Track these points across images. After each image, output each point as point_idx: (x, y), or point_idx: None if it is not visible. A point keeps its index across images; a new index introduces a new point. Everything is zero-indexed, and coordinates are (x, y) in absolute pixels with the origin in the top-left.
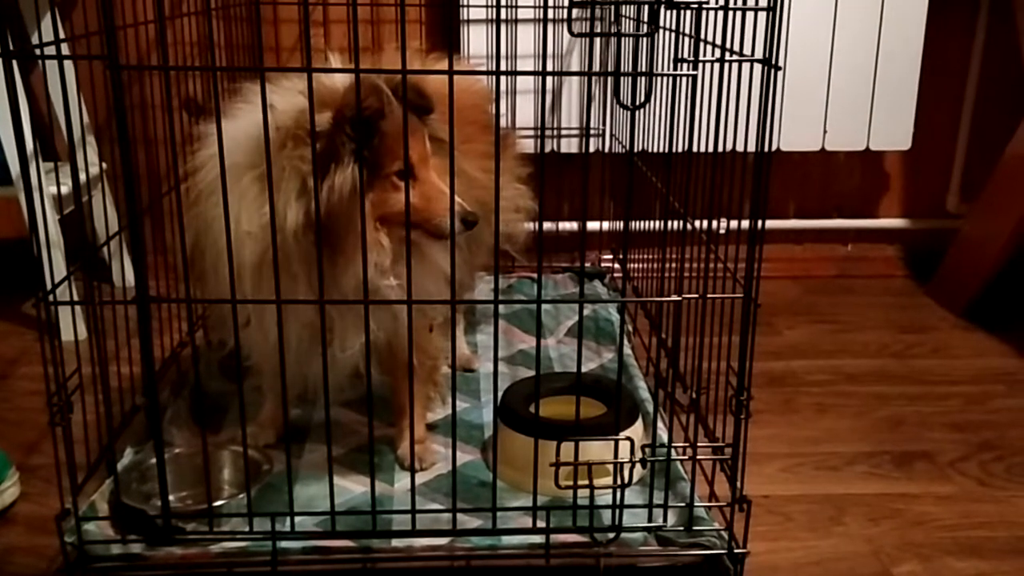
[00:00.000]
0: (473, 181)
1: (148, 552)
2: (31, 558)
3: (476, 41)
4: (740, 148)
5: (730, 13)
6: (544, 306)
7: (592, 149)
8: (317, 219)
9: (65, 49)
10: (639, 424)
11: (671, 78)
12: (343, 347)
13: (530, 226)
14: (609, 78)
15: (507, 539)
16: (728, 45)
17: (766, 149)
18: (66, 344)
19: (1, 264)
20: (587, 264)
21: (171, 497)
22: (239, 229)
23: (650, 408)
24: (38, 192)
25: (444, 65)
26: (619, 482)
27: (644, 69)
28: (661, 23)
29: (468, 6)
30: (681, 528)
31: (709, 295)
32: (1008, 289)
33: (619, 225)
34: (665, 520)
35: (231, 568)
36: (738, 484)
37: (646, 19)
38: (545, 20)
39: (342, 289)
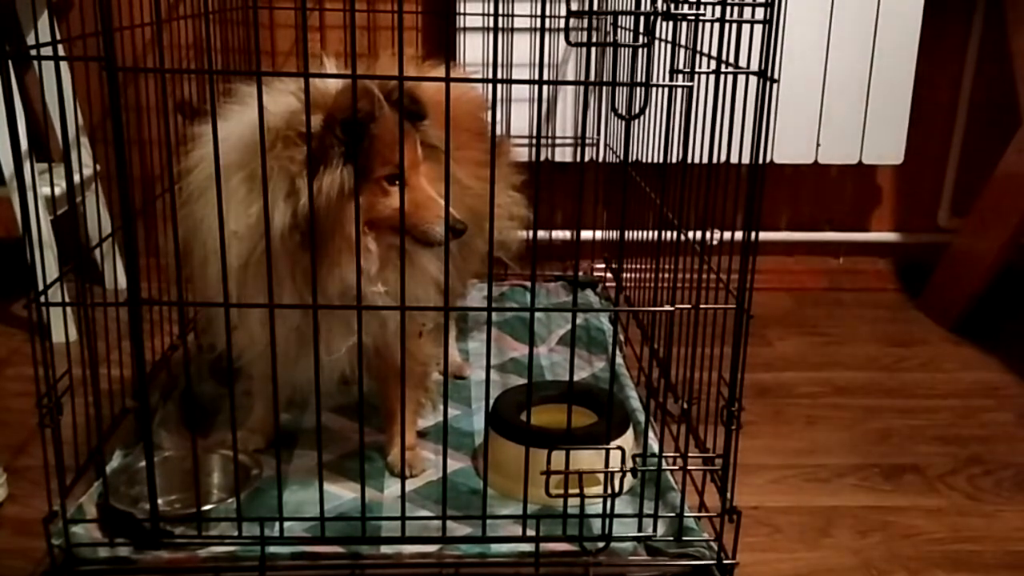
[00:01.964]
0: (467, 189)
1: (136, 555)
2: (18, 560)
3: (472, 49)
4: (734, 160)
5: (726, 25)
6: (536, 314)
7: (586, 158)
8: (312, 221)
9: (61, 50)
10: (630, 433)
11: (667, 89)
12: (329, 351)
13: (523, 234)
14: (605, 88)
15: (496, 547)
16: (724, 57)
17: (760, 161)
18: (57, 346)
19: None
20: (580, 273)
21: (160, 501)
22: (226, 229)
23: (641, 418)
24: (31, 193)
25: (440, 73)
26: (609, 491)
27: (641, 80)
28: (658, 34)
29: (465, 14)
30: (671, 538)
31: (702, 306)
32: (998, 304)
33: (612, 234)
34: (655, 530)
35: (219, 573)
36: (728, 495)
37: (643, 30)
38: (543, 29)
39: (326, 293)
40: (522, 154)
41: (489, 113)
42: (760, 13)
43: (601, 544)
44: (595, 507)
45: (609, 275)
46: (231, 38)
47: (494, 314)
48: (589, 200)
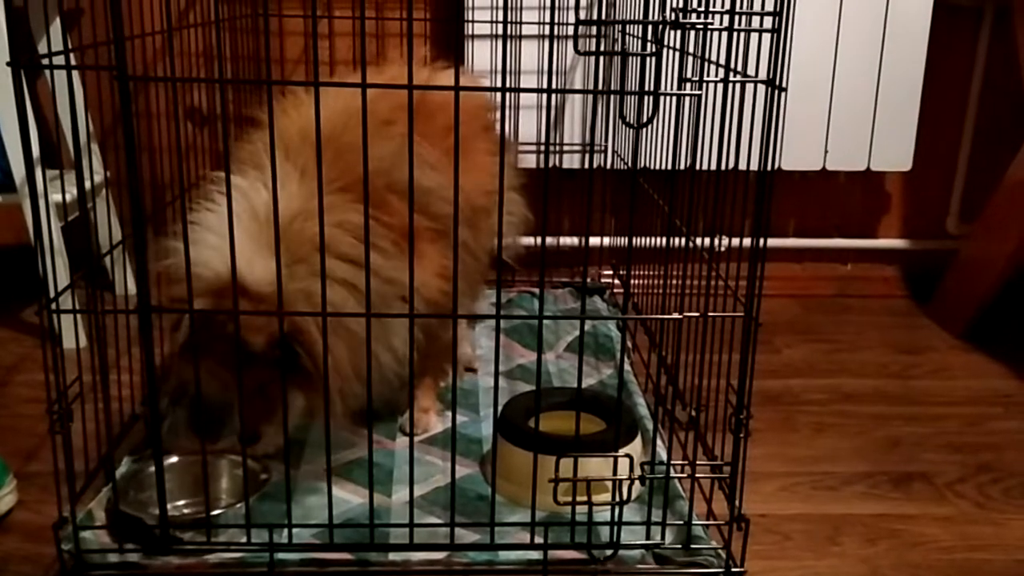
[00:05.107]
0: (478, 184)
1: (145, 561)
2: (28, 566)
3: (481, 56)
4: (742, 167)
5: (735, 34)
6: (544, 321)
7: (594, 165)
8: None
9: (72, 59)
10: (638, 441)
11: (675, 97)
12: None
13: (528, 239)
14: (613, 95)
15: (505, 554)
16: (732, 66)
17: (769, 168)
18: (67, 352)
19: (2, 271)
20: (587, 279)
21: (168, 506)
22: None
23: (649, 425)
24: (43, 200)
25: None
26: (617, 499)
27: (649, 88)
28: (666, 43)
29: (473, 21)
30: (679, 546)
31: (710, 314)
32: (1007, 311)
33: (620, 241)
34: (663, 538)
35: None
36: (736, 503)
37: (652, 39)
38: (552, 37)
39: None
40: (530, 161)
41: (495, 113)
42: (768, 22)
43: (609, 552)
44: (603, 515)
45: (617, 282)
46: (240, 46)
47: (502, 321)
48: (596, 207)
